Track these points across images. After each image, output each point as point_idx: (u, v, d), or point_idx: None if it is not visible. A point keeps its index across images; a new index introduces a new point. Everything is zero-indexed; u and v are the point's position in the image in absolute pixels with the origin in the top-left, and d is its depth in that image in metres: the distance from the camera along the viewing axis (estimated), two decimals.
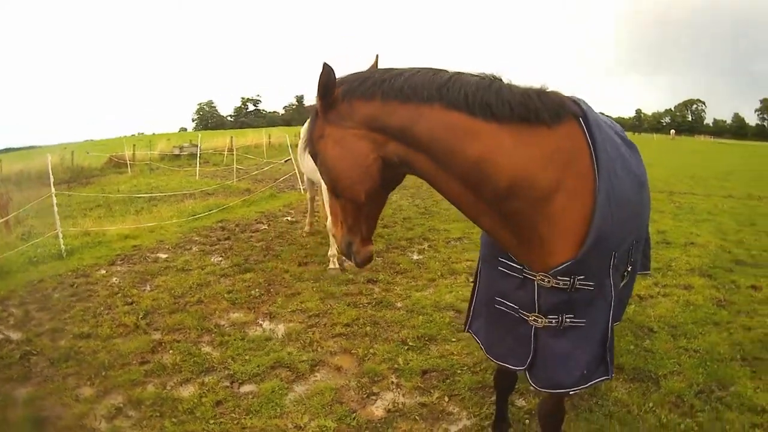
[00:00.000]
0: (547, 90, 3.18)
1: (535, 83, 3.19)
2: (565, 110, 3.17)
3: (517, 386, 5.54)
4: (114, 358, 6.58)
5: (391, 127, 2.98)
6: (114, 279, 9.61)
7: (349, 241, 3.29)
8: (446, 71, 3.08)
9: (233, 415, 5.45)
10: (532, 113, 2.99)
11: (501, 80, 3.10)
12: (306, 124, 11.16)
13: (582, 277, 3.26)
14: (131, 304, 8.32)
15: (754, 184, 27.95)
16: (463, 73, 3.09)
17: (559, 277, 3.25)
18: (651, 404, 5.80)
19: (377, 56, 7.92)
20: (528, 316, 3.51)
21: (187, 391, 5.89)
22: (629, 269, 3.94)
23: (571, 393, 3.78)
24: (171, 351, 6.80)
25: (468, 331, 4.30)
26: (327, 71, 2.93)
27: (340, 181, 3.11)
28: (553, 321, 3.43)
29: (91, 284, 9.30)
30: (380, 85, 3.00)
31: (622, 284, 3.85)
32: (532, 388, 3.91)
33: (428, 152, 2.98)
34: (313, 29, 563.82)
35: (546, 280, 3.29)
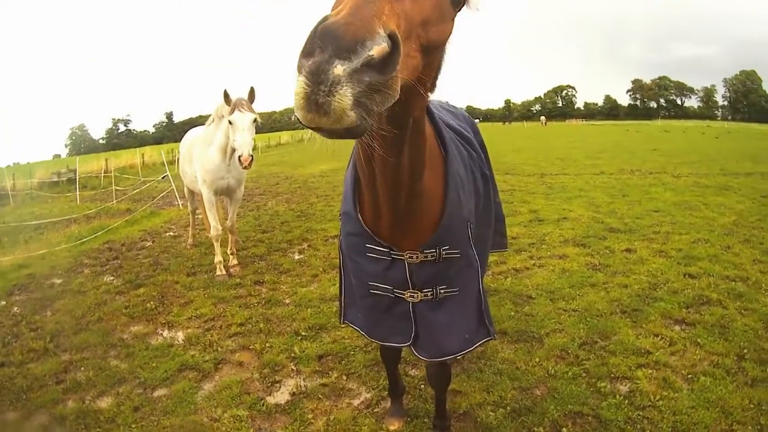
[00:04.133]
0: None
1: None
2: None
3: (409, 358, 5.99)
4: (30, 381, 6.56)
5: None
6: (15, 308, 9.44)
7: None
8: None
9: (152, 417, 5.62)
10: None
11: None
12: (189, 137, 11.41)
13: (447, 246, 3.48)
14: (36, 330, 8.25)
15: (626, 160, 29.72)
16: None
17: (425, 251, 3.44)
18: (537, 359, 6.33)
19: (252, 88, 8.12)
20: (404, 294, 3.65)
21: (105, 403, 5.99)
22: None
23: (458, 357, 4.15)
24: (82, 368, 6.84)
25: (344, 322, 4.34)
26: None
27: None
28: (429, 294, 3.60)
29: None
30: None
31: None
32: (420, 359, 4.17)
33: None
34: (176, 47, 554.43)
35: (414, 256, 3.46)
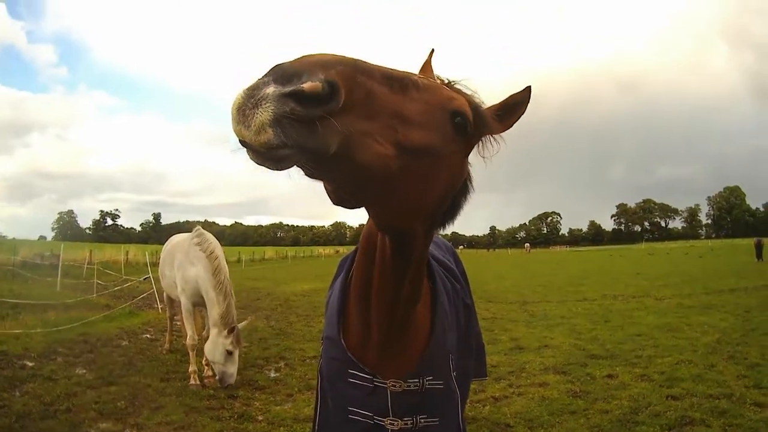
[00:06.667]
0: None
1: None
2: None
3: None
4: None
5: None
6: None
7: None
8: None
9: None
10: None
11: None
12: (173, 242, 11.53)
13: (430, 377, 3.47)
14: (3, 407, 8.18)
15: (609, 285, 29.96)
16: None
17: (409, 380, 3.41)
18: None
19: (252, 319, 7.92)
20: (383, 421, 3.54)
21: None
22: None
23: None
24: None
25: None
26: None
27: None
28: (408, 422, 3.51)
29: None
30: None
31: None
32: None
33: None
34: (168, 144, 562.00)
35: (397, 385, 3.41)
